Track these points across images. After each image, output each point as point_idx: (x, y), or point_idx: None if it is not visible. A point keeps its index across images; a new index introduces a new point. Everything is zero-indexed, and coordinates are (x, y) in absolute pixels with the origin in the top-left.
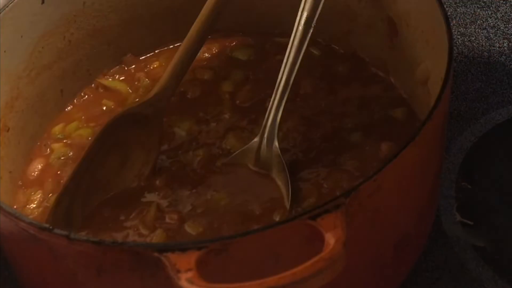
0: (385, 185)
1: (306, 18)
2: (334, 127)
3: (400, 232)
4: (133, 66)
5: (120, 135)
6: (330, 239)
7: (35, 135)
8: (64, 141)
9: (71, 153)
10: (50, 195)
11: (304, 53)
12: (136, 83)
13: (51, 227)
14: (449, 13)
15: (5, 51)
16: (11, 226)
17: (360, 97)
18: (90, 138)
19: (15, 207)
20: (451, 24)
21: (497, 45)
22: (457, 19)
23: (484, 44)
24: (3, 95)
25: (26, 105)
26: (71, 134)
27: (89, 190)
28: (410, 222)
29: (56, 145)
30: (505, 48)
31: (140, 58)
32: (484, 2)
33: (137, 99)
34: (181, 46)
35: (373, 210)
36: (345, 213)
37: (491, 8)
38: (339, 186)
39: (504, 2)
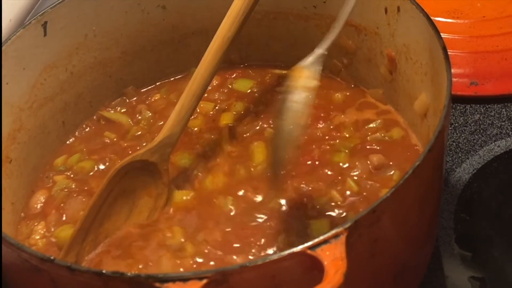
0: (384, 216)
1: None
2: (323, 150)
3: (400, 262)
4: (135, 98)
5: (127, 182)
6: (330, 269)
7: (37, 166)
8: (66, 173)
9: (74, 185)
10: (53, 229)
11: None
12: (137, 115)
13: (52, 258)
14: None
15: (7, 83)
16: (14, 257)
17: (355, 122)
18: (91, 174)
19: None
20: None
21: None
22: None
23: None
24: (5, 126)
25: (28, 137)
26: (73, 166)
27: (97, 238)
28: (409, 252)
29: (58, 177)
30: None
31: (142, 90)
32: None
33: (139, 132)
34: (186, 90)
35: (373, 241)
36: (345, 243)
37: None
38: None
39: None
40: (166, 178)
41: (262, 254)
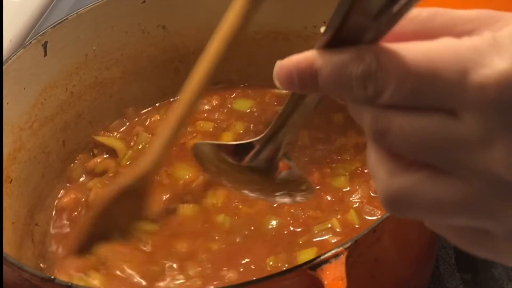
0: (384, 236)
1: None
2: (323, 173)
3: (400, 282)
4: (136, 119)
5: (111, 209)
6: None
7: (38, 186)
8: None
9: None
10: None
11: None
12: (134, 137)
13: (53, 277)
14: None
15: (8, 103)
16: (15, 276)
17: (355, 145)
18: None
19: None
20: None
21: None
22: None
23: None
24: (6, 146)
25: (28, 157)
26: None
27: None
28: (409, 272)
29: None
30: None
31: (142, 112)
32: None
33: (134, 155)
34: (168, 117)
35: (373, 260)
36: (345, 263)
37: None
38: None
39: None
40: (147, 199)
41: (255, 272)
